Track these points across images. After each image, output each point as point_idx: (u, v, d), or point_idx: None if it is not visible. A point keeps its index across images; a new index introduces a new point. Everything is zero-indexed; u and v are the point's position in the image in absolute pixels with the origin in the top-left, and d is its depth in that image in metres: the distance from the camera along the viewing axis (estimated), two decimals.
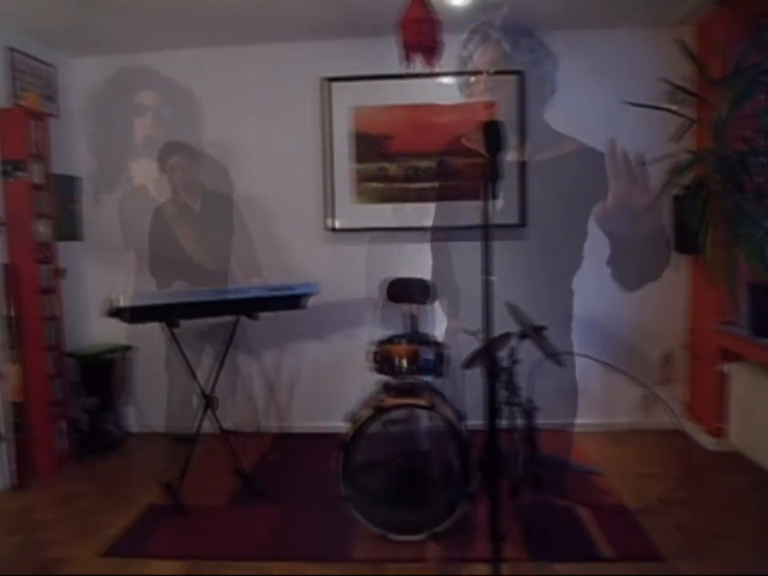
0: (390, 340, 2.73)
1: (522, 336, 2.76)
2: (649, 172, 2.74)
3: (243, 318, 2.95)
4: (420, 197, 3.57)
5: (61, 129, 3.59)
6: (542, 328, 2.83)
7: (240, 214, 3.74)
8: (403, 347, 2.66)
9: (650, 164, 3.18)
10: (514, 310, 2.84)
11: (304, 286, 2.95)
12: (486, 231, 1.74)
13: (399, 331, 3.02)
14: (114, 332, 3.53)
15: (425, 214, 3.58)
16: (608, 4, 3.17)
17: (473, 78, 3.42)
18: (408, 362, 2.62)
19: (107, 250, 3.77)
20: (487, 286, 1.73)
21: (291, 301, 2.93)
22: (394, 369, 2.63)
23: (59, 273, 3.37)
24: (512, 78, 3.45)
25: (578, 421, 3.63)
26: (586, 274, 3.56)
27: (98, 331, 3.73)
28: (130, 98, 3.73)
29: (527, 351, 2.83)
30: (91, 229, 3.82)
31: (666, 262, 3.35)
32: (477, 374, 2.17)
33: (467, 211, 3.44)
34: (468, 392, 2.93)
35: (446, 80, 3.50)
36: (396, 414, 2.47)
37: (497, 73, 3.44)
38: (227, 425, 3.19)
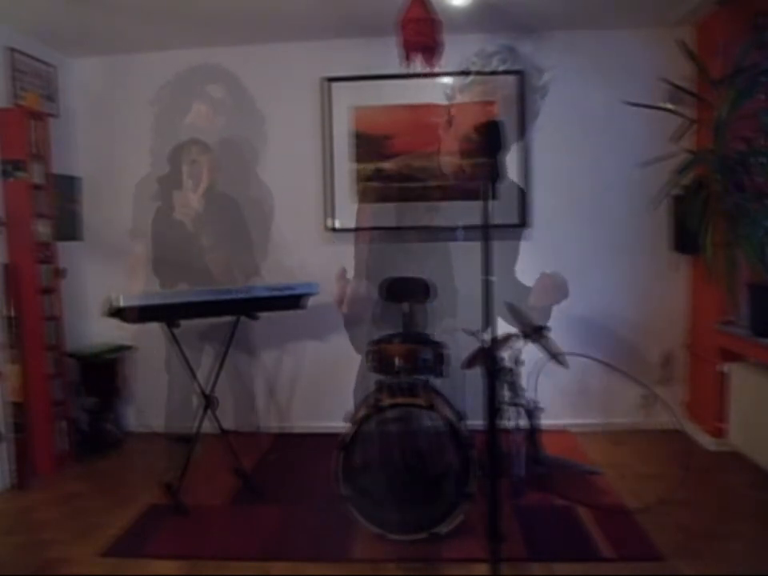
0: (388, 340, 2.73)
1: (525, 336, 2.76)
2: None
3: (243, 318, 2.95)
4: (420, 196, 3.56)
5: (61, 129, 3.59)
6: (544, 328, 2.83)
7: (241, 213, 3.74)
8: (401, 347, 2.65)
9: (650, 164, 3.18)
10: (514, 311, 2.84)
11: (304, 286, 2.95)
12: (486, 231, 1.74)
13: (398, 331, 3.02)
14: (114, 332, 3.53)
15: (426, 213, 3.57)
16: (608, 4, 3.17)
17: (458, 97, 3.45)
18: (406, 362, 2.62)
19: (108, 249, 3.78)
20: (487, 286, 1.73)
21: (291, 301, 2.93)
22: (392, 368, 2.63)
23: (59, 273, 3.36)
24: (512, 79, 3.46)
25: (578, 421, 3.63)
26: (587, 274, 3.56)
27: (98, 331, 3.73)
28: (131, 97, 3.73)
29: (528, 351, 2.84)
30: (91, 229, 3.82)
31: None
32: (477, 374, 2.17)
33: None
34: (468, 392, 2.93)
35: (446, 80, 3.50)
36: (396, 414, 2.47)
37: (497, 73, 3.44)
38: (227, 425, 3.19)
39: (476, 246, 1.79)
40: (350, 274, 3.57)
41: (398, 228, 3.55)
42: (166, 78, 3.68)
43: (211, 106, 3.71)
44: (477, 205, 1.80)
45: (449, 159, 3.34)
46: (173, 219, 3.64)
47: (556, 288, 2.60)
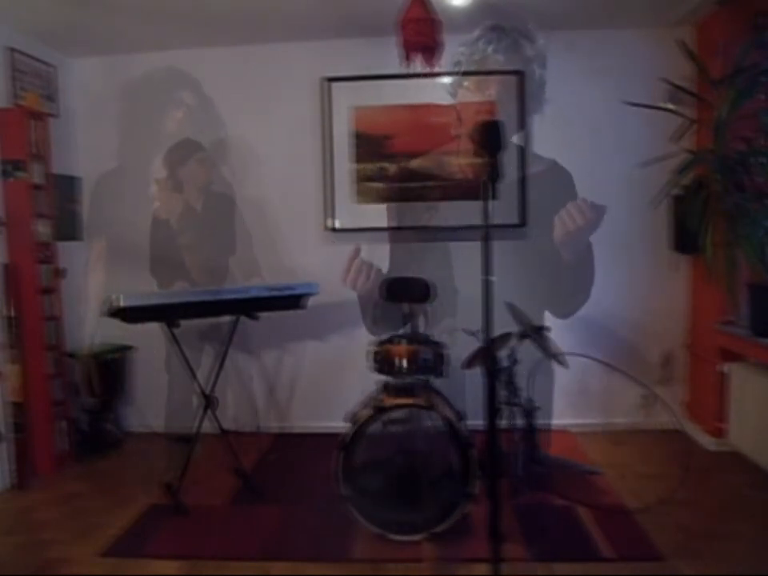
0: (389, 340, 2.73)
1: (523, 336, 2.76)
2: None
3: (243, 318, 2.95)
4: (420, 196, 3.57)
5: (61, 129, 3.59)
6: (543, 328, 2.83)
7: (240, 213, 3.74)
8: (402, 347, 2.65)
9: (650, 164, 3.18)
10: (513, 310, 2.84)
11: (304, 286, 2.95)
12: (486, 231, 1.74)
13: (398, 331, 3.02)
14: (114, 332, 3.52)
15: (425, 213, 3.58)
16: (608, 4, 3.17)
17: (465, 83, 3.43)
18: (408, 362, 2.62)
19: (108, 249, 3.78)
20: (487, 286, 1.73)
21: (291, 301, 2.93)
22: (393, 369, 2.63)
23: (59, 273, 3.36)
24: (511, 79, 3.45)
25: (578, 421, 3.63)
26: None
27: (98, 331, 3.73)
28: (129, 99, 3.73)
29: (527, 351, 2.84)
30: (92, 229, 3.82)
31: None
32: (477, 374, 2.17)
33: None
34: (468, 392, 2.93)
35: (446, 80, 3.50)
36: (396, 414, 2.47)
37: (496, 72, 3.44)
38: (227, 425, 3.19)
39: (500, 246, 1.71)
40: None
41: (417, 228, 3.55)
42: (164, 76, 3.68)
43: (207, 106, 3.70)
44: (498, 205, 1.75)
45: (465, 158, 3.33)
46: (167, 218, 3.63)
47: (582, 214, 2.37)
